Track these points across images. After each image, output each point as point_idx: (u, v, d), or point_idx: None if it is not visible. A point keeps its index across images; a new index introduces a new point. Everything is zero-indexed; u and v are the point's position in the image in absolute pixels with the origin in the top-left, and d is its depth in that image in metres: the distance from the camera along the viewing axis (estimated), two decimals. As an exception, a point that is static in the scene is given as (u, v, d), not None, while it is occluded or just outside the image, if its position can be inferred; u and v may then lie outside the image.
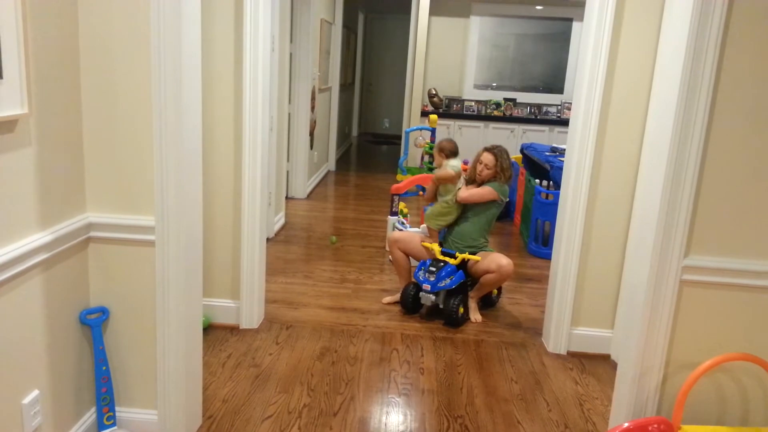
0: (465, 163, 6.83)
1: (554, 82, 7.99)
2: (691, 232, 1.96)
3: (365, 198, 6.65)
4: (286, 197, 5.76)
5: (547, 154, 5.45)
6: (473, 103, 7.83)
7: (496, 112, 7.78)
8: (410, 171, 7.06)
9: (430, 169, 6.80)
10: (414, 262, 3.73)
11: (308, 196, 6.47)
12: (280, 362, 2.88)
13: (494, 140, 7.58)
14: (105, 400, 2.06)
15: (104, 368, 2.05)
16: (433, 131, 6.92)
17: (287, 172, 5.84)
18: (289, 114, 5.74)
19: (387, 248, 3.89)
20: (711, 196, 1.92)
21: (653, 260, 2.00)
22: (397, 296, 3.68)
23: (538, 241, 4.91)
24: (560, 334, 3.19)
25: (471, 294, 3.54)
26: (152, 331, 2.08)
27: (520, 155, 6.29)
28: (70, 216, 1.91)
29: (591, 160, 2.97)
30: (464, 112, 7.80)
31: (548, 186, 4.89)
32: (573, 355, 3.16)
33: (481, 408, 2.61)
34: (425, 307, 3.58)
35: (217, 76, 2.95)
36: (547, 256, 4.54)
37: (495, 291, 3.76)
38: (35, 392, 1.79)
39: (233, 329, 3.20)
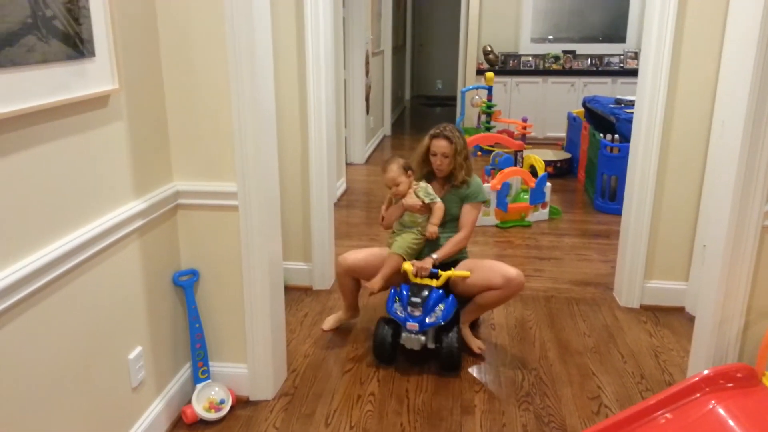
0: (524, 120, 6.74)
1: (615, 31, 7.66)
2: (776, 176, 1.90)
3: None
4: (346, 163, 5.84)
5: (612, 106, 5.29)
6: (530, 58, 7.63)
7: (554, 66, 7.56)
8: (467, 131, 6.99)
9: (488, 128, 6.73)
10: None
11: (366, 161, 6.53)
12: (353, 320, 2.98)
13: (554, 96, 7.42)
14: (199, 355, 2.21)
15: (197, 326, 2.19)
16: (489, 89, 6.80)
17: (345, 138, 5.90)
18: (345, 80, 5.77)
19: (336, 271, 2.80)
20: (797, 138, 1.85)
21: (734, 206, 1.96)
22: (338, 316, 2.89)
23: (604, 196, 4.81)
24: (633, 287, 3.16)
25: (462, 319, 2.69)
26: (239, 290, 2.20)
27: (582, 109, 6.13)
28: (159, 185, 2.03)
29: (662, 109, 2.88)
30: (521, 68, 7.61)
31: (613, 139, 4.76)
32: (646, 309, 3.13)
33: (554, 361, 2.65)
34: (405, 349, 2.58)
35: (281, 46, 3.01)
36: (615, 212, 4.46)
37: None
38: (138, 348, 1.94)
39: (307, 290, 3.33)
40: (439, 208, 2.59)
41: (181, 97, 2.03)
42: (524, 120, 6.92)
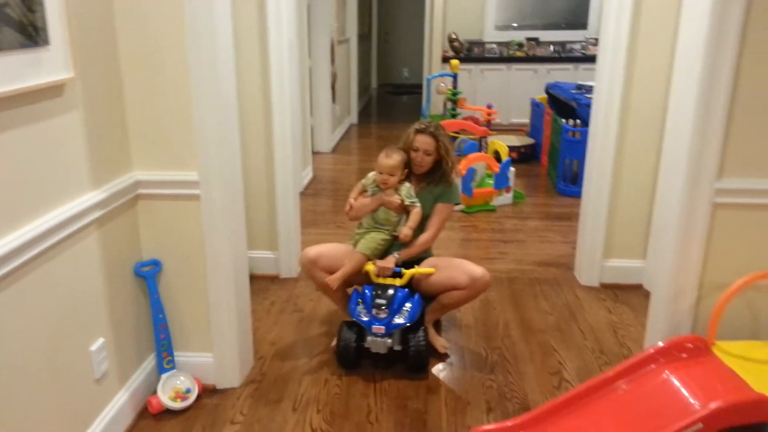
0: (489, 107, 6.80)
1: (577, 18, 7.77)
2: (724, 155, 1.98)
3: (390, 148, 6.68)
4: (312, 152, 5.82)
5: (573, 92, 5.39)
6: (495, 45, 7.69)
7: (518, 53, 7.65)
8: (433, 118, 7.03)
9: (454, 115, 6.78)
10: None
11: (333, 150, 6.52)
12: (321, 307, 2.99)
13: (518, 83, 7.50)
14: (164, 345, 2.20)
15: (161, 316, 2.18)
16: (455, 77, 6.82)
17: (311, 126, 5.88)
18: (310, 68, 5.75)
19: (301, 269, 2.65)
20: (743, 118, 1.93)
21: (686, 185, 2.03)
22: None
23: (566, 180, 4.91)
24: (593, 267, 3.24)
25: (426, 318, 2.57)
26: (203, 280, 2.20)
27: (546, 95, 6.23)
28: (118, 175, 2.00)
29: (620, 94, 2.95)
30: (486, 55, 7.68)
31: (575, 124, 4.85)
32: (606, 287, 3.22)
33: (517, 339, 2.71)
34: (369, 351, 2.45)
35: (243, 34, 2.98)
36: (577, 195, 4.54)
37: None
38: (101, 340, 1.93)
39: (274, 279, 3.33)
40: (417, 213, 2.48)
41: (140, 86, 2.01)
42: (489, 107, 6.97)
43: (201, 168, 2.06)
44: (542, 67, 7.51)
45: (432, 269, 2.46)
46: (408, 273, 2.44)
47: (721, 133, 1.94)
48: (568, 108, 5.28)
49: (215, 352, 2.28)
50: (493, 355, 2.59)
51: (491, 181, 4.64)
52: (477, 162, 4.57)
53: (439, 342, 2.61)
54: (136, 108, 2.03)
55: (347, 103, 7.71)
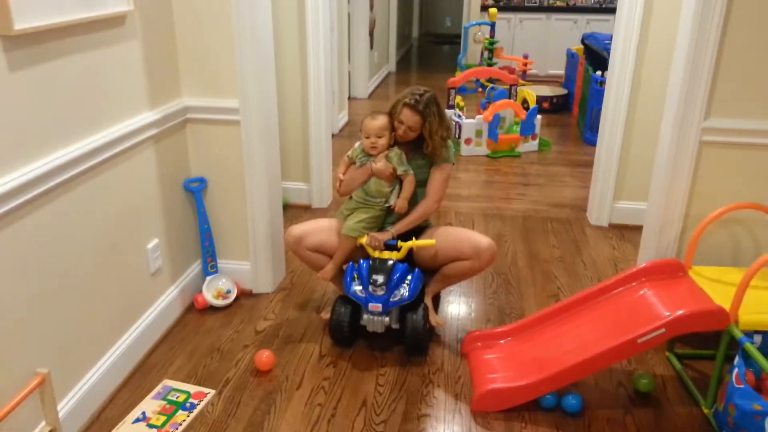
0: (525, 57, 6.86)
1: (621, -32, 7.64)
2: (711, 96, 2.15)
3: (425, 96, 6.85)
4: (348, 97, 6.05)
5: (607, 42, 5.41)
6: (535, -5, 7.67)
7: (559, 3, 7.61)
8: (469, 67, 7.14)
9: (490, 65, 6.87)
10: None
11: (369, 96, 6.73)
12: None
13: (557, 33, 7.49)
14: (208, 251, 2.55)
15: (206, 226, 2.52)
16: (492, 26, 6.90)
17: (348, 72, 6.09)
18: (349, 14, 5.92)
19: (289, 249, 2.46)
20: (730, 62, 2.09)
21: (675, 123, 2.22)
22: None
23: (593, 129, 5.02)
24: (603, 207, 3.45)
25: (426, 290, 2.41)
26: (242, 197, 2.52)
27: (582, 46, 6.25)
28: (170, 99, 2.31)
29: (635, 43, 3.09)
30: (525, 4, 7.67)
31: (604, 74, 4.93)
32: (614, 227, 3.43)
33: (522, 267, 2.97)
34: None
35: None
36: (600, 142, 4.70)
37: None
38: (155, 240, 2.28)
39: (306, 208, 3.65)
40: (410, 181, 2.27)
41: (189, 20, 2.29)
42: (525, 57, 7.06)
43: (241, 96, 2.35)
44: (582, 18, 7.47)
45: (432, 241, 2.26)
46: (406, 246, 2.24)
47: (709, 76, 2.11)
48: (600, 59, 5.33)
49: (252, 261, 2.62)
50: (498, 279, 2.86)
51: (519, 129, 4.81)
52: (504, 109, 4.74)
53: (436, 318, 2.44)
54: (185, 41, 2.31)
55: (386, 51, 7.86)
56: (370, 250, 2.27)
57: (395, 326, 2.28)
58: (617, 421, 1.99)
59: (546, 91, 6.23)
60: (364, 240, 2.28)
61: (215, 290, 2.55)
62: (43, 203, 1.67)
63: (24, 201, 1.58)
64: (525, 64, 6.96)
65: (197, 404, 2.00)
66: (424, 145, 2.29)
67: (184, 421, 1.92)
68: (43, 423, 1.64)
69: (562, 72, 7.20)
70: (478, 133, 4.70)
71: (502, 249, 3.17)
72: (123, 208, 2.06)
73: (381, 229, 2.33)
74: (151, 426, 1.89)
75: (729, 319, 1.89)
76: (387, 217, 2.34)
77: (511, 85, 5.30)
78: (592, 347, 1.97)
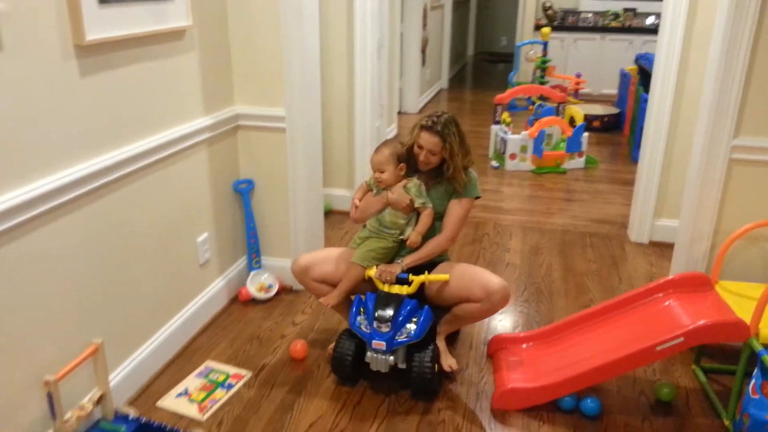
0: (578, 76, 6.87)
1: (680, -12, 7.55)
2: (741, 115, 2.18)
3: (475, 113, 6.96)
4: (399, 112, 6.22)
5: (658, 62, 5.40)
6: (590, 15, 7.67)
7: (614, 23, 7.59)
8: (519, 85, 7.21)
9: (542, 83, 6.91)
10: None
11: (420, 110, 6.89)
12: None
13: (612, 54, 7.46)
14: (253, 248, 2.74)
15: (252, 225, 2.71)
16: (545, 44, 6.95)
17: (400, 88, 6.27)
18: (401, 33, 6.11)
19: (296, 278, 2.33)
20: (760, 82, 2.13)
21: (705, 140, 2.26)
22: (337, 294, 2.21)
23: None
24: (643, 224, 3.45)
25: (439, 329, 2.29)
26: (286, 199, 2.70)
27: (635, 66, 6.22)
28: (223, 107, 2.52)
29: (677, 60, 3.12)
30: (579, 24, 7.68)
31: (654, 93, 4.91)
32: (654, 245, 3.42)
33: (556, 279, 3.02)
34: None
35: (330, 2, 3.41)
36: (647, 162, 4.67)
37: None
38: (205, 234, 2.48)
39: (348, 214, 3.80)
40: (428, 215, 2.16)
41: (242, 35, 2.50)
42: (578, 75, 7.06)
43: (287, 106, 2.54)
44: (638, 39, 7.42)
45: (445, 276, 2.14)
46: (417, 280, 2.12)
47: (738, 95, 2.15)
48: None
49: (293, 259, 2.78)
50: (531, 288, 2.93)
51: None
52: (550, 125, 4.79)
53: (448, 360, 2.28)
54: (239, 53, 2.52)
55: (438, 68, 8.01)
56: (378, 284, 2.14)
57: (402, 366, 2.11)
58: (635, 427, 2.03)
59: (598, 110, 6.22)
60: (372, 272, 2.14)
61: (258, 284, 2.73)
62: (109, 191, 1.88)
63: (94, 187, 1.80)
64: (577, 83, 6.96)
65: (235, 384, 2.16)
66: (444, 167, 2.16)
67: (222, 398, 2.09)
68: (96, 389, 1.84)
69: (615, 92, 7.17)
70: (523, 149, 4.76)
71: (538, 261, 3.23)
72: (177, 203, 2.27)
73: (392, 260, 2.21)
74: (191, 401, 2.07)
75: (749, 332, 1.91)
76: (400, 249, 2.21)
77: (559, 103, 5.35)
78: (612, 353, 2.02)
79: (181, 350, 2.37)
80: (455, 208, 2.21)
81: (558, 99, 5.30)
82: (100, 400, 1.82)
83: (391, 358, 2.08)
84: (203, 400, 2.08)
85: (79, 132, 1.75)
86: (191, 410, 2.03)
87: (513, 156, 4.78)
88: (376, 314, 2.06)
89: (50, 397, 1.61)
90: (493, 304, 2.12)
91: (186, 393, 2.11)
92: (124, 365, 2.05)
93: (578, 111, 5.13)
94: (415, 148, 2.18)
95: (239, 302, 2.72)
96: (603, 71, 7.48)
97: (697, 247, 2.40)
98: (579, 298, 2.83)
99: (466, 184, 2.19)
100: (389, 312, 2.05)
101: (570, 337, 2.29)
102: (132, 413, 1.89)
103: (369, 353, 2.10)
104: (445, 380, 2.24)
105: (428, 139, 2.13)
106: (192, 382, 2.17)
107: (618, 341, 2.12)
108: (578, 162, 4.89)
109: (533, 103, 6.84)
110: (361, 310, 2.13)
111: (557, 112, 5.24)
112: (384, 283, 2.14)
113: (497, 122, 5.07)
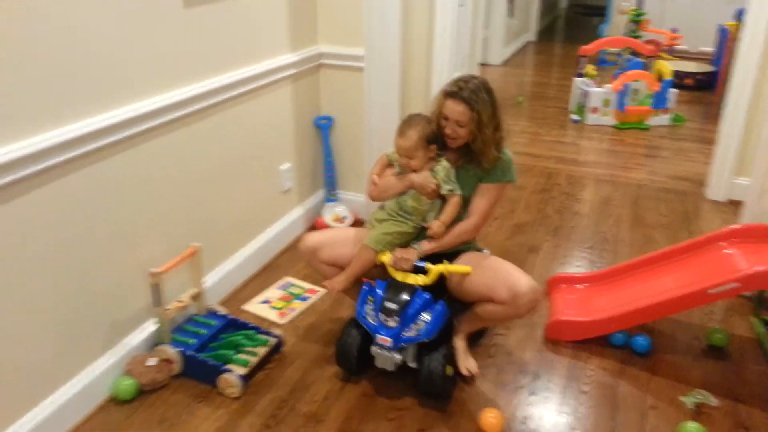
0: (674, 31, 6.53)
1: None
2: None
3: (561, 66, 6.81)
4: (481, 63, 6.20)
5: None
6: (694, -35, 7.21)
7: (720, -26, 7.09)
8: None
9: (634, 38, 6.63)
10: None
11: (504, 63, 6.82)
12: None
13: (712, 9, 7.01)
14: (330, 181, 2.95)
15: (330, 159, 2.92)
16: (640, -5, 6.66)
17: (483, 39, 6.22)
18: (489, -20, 6.02)
19: (303, 257, 2.11)
20: None
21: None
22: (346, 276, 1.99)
23: (733, 106, 4.78)
24: (721, 182, 3.38)
25: (458, 328, 2.06)
26: (362, 137, 2.87)
27: (735, 22, 5.86)
28: (308, 45, 2.70)
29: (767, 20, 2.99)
30: (681, -24, 7.24)
31: (753, 48, 4.65)
32: (732, 203, 3.35)
33: (623, 228, 3.06)
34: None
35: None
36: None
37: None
38: (288, 164, 2.71)
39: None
40: (455, 203, 1.91)
41: (329, -22, 2.66)
42: (674, 31, 6.72)
43: (366, 46, 2.68)
44: (745, -9, 6.92)
45: (468, 267, 1.89)
46: (435, 269, 1.88)
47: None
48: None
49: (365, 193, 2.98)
50: (596, 236, 2.98)
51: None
52: (635, 79, 4.66)
53: (466, 363, 2.03)
54: (325, -5, 2.68)
55: (526, 19, 7.83)
56: (392, 271, 1.91)
57: (412, 365, 1.90)
58: (683, 366, 2.10)
59: (691, 67, 5.94)
60: (386, 258, 1.91)
61: (334, 215, 2.95)
62: (204, 116, 2.13)
63: (191, 111, 2.04)
64: (673, 39, 6.63)
65: (310, 297, 2.41)
66: (471, 140, 1.87)
67: (299, 308, 2.35)
68: (192, 288, 2.12)
69: (713, 49, 6.78)
70: (606, 103, 4.68)
71: (607, 211, 3.26)
72: (263, 132, 2.49)
73: (409, 244, 1.95)
74: (272, 307, 2.35)
75: (808, 281, 1.92)
76: (418, 236, 1.96)
77: (648, 57, 5.17)
78: (665, 294, 2.09)
79: (264, 266, 2.64)
80: (484, 192, 1.94)
81: (647, 52, 5.12)
82: (195, 297, 2.10)
83: (398, 356, 1.85)
84: (282, 308, 2.34)
85: (180, 59, 1.98)
86: (272, 315, 2.30)
87: (594, 110, 4.72)
88: (383, 306, 1.83)
89: (155, 287, 1.90)
90: (519, 308, 1.83)
91: (268, 301, 2.38)
92: (216, 271, 2.34)
93: (667, 66, 4.94)
94: (441, 121, 1.88)
95: (316, 230, 2.95)
96: (702, 27, 7.06)
97: (765, 200, 2.37)
98: (644, 248, 2.85)
99: (496, 164, 1.91)
100: (397, 305, 1.82)
101: (627, 279, 2.36)
102: (222, 310, 2.17)
103: (374, 348, 1.87)
104: (460, 381, 1.99)
105: (453, 108, 1.83)
106: (273, 292, 2.44)
107: (673, 284, 2.17)
108: (663, 119, 4.75)
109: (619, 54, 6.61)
110: (370, 299, 1.90)
111: (645, 66, 5.07)
112: (398, 270, 1.90)
113: (580, 75, 4.98)
